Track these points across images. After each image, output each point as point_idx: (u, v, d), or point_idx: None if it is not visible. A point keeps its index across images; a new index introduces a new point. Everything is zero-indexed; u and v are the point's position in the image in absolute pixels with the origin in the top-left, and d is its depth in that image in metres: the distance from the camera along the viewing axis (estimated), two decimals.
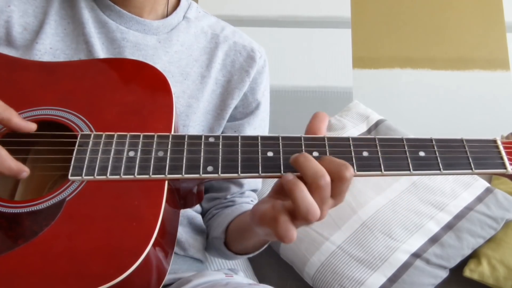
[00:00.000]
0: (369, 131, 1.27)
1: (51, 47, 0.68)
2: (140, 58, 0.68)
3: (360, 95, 1.57)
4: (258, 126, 0.81)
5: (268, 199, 0.50)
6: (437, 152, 0.49)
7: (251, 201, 0.83)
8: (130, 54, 0.70)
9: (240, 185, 0.81)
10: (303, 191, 0.44)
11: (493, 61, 1.60)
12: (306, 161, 0.46)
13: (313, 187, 0.45)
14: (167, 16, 0.75)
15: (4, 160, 0.48)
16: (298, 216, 0.44)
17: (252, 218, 0.51)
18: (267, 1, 1.67)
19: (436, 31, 1.63)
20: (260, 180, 0.88)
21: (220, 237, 0.73)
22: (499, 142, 0.50)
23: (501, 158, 0.49)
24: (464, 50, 1.61)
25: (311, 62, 1.62)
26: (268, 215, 0.47)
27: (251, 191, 0.84)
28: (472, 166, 0.48)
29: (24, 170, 0.49)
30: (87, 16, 0.70)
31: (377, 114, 1.32)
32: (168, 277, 0.62)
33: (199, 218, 0.81)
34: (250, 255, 0.73)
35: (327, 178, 0.45)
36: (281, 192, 0.50)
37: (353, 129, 1.28)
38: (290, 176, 0.46)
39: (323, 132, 0.50)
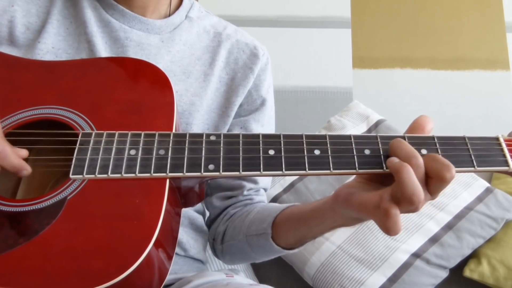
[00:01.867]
0: (369, 131, 1.27)
1: (53, 47, 0.68)
2: (143, 58, 0.67)
3: (360, 95, 1.57)
4: (266, 123, 0.81)
5: (365, 186, 0.50)
6: (439, 150, 0.49)
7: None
8: (133, 53, 0.70)
9: (255, 182, 0.79)
10: (409, 172, 0.44)
11: (493, 61, 1.60)
12: (401, 143, 0.47)
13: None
14: (169, 15, 0.75)
15: (9, 157, 0.48)
16: (402, 200, 0.44)
17: (343, 204, 0.51)
18: (267, 1, 1.67)
19: (436, 31, 1.64)
20: (270, 179, 0.87)
21: (266, 232, 0.68)
22: (501, 140, 0.49)
23: (504, 155, 0.49)
24: (464, 50, 1.61)
25: (311, 62, 1.62)
26: (372, 204, 0.46)
27: (263, 189, 0.82)
28: (475, 163, 0.48)
29: (25, 169, 0.50)
30: (89, 15, 0.70)
31: (377, 114, 1.32)
32: (168, 277, 0.62)
33: (200, 219, 0.81)
34: (298, 249, 0.69)
35: (420, 159, 0.45)
36: (373, 179, 0.51)
37: (353, 129, 1.28)
38: (395, 159, 0.46)
39: (428, 130, 0.50)
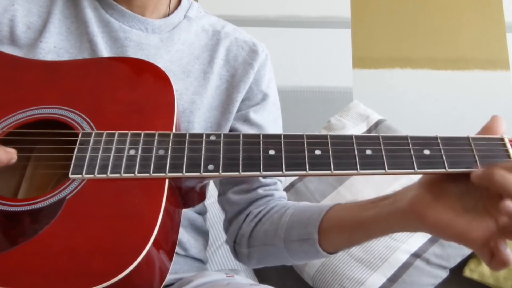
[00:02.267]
0: (369, 131, 1.27)
1: (55, 46, 0.68)
2: (143, 57, 0.67)
3: (360, 95, 1.57)
4: (267, 117, 0.79)
5: (439, 198, 0.47)
6: (442, 150, 0.48)
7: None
8: (133, 53, 0.70)
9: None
10: None
11: (493, 61, 1.60)
12: (506, 178, 0.41)
13: None
14: (168, 15, 0.76)
15: None
16: None
17: (423, 222, 0.48)
18: (267, 1, 1.67)
19: (436, 31, 1.64)
20: None
21: (312, 237, 0.64)
22: (506, 140, 0.48)
23: (509, 156, 0.47)
24: (464, 50, 1.62)
25: (311, 62, 1.62)
26: (480, 242, 0.43)
27: (279, 181, 0.79)
28: (479, 164, 0.47)
29: (12, 157, 0.49)
30: (90, 15, 0.70)
31: (377, 114, 1.32)
32: (169, 277, 0.62)
33: (200, 219, 0.81)
34: (341, 252, 0.67)
35: None
36: (434, 183, 0.48)
37: (353, 129, 1.28)
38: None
39: (500, 131, 0.48)
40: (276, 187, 0.77)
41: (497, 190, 0.42)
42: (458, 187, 0.47)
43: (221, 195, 0.79)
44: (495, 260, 0.41)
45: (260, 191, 0.74)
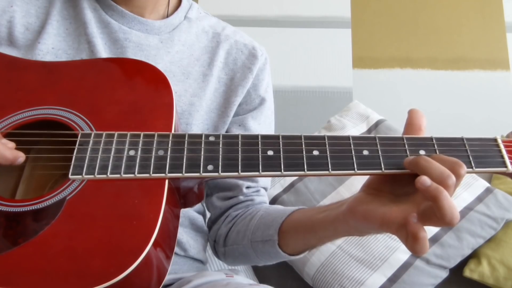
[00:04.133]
0: (369, 131, 1.27)
1: (53, 47, 0.68)
2: (143, 58, 0.68)
3: (360, 95, 1.57)
4: (263, 122, 0.80)
5: (380, 199, 0.50)
6: (437, 151, 0.49)
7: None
8: (133, 54, 0.70)
9: (254, 180, 0.79)
10: (447, 198, 0.42)
11: (493, 61, 1.60)
12: (429, 162, 0.45)
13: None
14: (168, 16, 0.76)
15: None
16: (440, 223, 0.43)
17: (362, 220, 0.50)
18: (267, 1, 1.67)
19: (436, 31, 1.64)
20: (269, 179, 0.87)
21: (273, 239, 0.67)
22: (499, 141, 0.50)
23: (502, 156, 0.49)
24: (464, 50, 1.62)
25: (311, 62, 1.62)
26: (396, 223, 0.45)
27: (263, 188, 0.82)
28: (473, 164, 0.48)
29: (19, 156, 0.50)
30: (89, 16, 0.70)
31: (377, 114, 1.32)
32: (168, 277, 0.62)
33: (200, 219, 0.81)
34: (304, 254, 0.68)
35: (453, 177, 0.44)
36: (383, 189, 0.50)
37: (353, 129, 1.28)
38: (428, 181, 0.44)
39: (424, 130, 0.50)
40: (258, 194, 0.80)
41: (420, 172, 0.45)
42: (393, 186, 0.50)
43: (208, 196, 0.81)
44: (410, 238, 0.43)
45: (241, 197, 0.77)
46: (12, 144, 0.51)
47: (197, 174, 0.49)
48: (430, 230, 1.06)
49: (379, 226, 0.48)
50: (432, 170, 0.45)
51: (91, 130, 0.53)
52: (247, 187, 0.78)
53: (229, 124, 0.77)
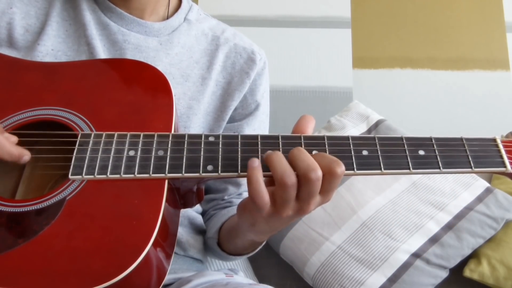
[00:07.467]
0: (369, 131, 1.27)
1: (53, 49, 0.68)
2: (142, 60, 0.68)
3: (360, 95, 1.57)
4: (258, 127, 0.81)
5: None
6: (436, 151, 0.49)
7: None
8: (132, 56, 0.70)
9: (238, 186, 0.81)
10: (278, 156, 0.47)
11: (493, 61, 1.60)
12: (302, 154, 0.47)
13: (304, 180, 0.45)
14: (167, 18, 0.76)
15: (3, 146, 0.48)
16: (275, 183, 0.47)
17: (237, 212, 0.54)
18: (267, 1, 1.67)
19: (436, 31, 1.63)
20: None
21: (214, 237, 0.73)
22: (498, 141, 0.50)
23: (501, 156, 0.49)
24: (464, 50, 1.61)
25: (311, 62, 1.62)
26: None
27: (246, 192, 0.84)
28: (472, 164, 0.48)
29: (25, 154, 0.50)
30: (88, 18, 0.70)
31: (377, 114, 1.32)
32: (168, 277, 0.62)
33: (199, 219, 0.81)
34: (243, 256, 0.74)
35: (319, 173, 0.45)
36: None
37: (353, 129, 1.28)
38: (255, 162, 0.47)
39: (310, 132, 0.52)
40: (240, 196, 0.82)
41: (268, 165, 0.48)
42: None
43: None
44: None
45: (220, 201, 0.81)
46: (14, 138, 0.51)
47: (196, 175, 0.49)
48: (431, 230, 1.07)
49: (241, 210, 0.52)
50: (301, 162, 0.46)
51: (91, 130, 0.53)
52: (230, 194, 0.81)
53: (224, 129, 0.78)
